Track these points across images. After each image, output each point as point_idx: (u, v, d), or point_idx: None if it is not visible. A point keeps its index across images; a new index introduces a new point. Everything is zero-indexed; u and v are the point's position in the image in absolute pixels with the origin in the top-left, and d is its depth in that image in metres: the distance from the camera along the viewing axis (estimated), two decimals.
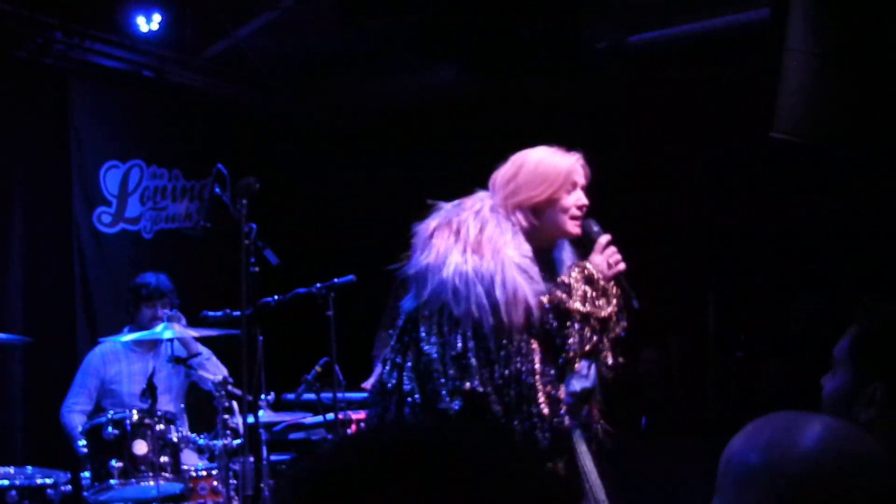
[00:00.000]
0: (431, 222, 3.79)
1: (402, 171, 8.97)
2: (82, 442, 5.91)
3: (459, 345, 3.60)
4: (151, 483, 5.75)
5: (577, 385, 3.75)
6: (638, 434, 8.16)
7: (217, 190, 5.55)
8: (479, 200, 3.85)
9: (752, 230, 8.01)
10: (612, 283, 3.83)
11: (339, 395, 6.09)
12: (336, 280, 6.06)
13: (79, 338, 7.83)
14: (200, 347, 6.66)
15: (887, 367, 2.46)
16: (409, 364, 3.73)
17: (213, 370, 6.56)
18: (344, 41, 8.24)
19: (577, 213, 3.89)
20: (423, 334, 3.68)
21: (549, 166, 3.88)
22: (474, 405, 3.58)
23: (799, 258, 7.74)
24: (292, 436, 6.56)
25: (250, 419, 5.41)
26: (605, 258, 3.84)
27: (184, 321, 6.37)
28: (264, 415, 6.03)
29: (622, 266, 3.87)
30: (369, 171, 9.19)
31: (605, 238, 3.90)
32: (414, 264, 3.77)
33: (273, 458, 6.30)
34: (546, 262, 3.92)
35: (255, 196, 5.21)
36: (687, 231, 8.09)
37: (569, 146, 8.44)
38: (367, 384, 6.56)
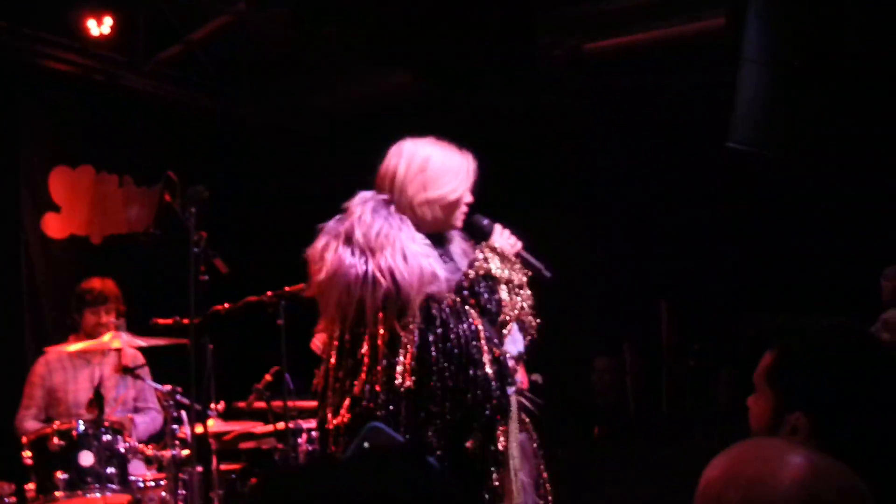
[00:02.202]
0: (319, 243, 3.78)
1: (354, 176, 8.90)
2: (27, 453, 5.80)
3: (383, 334, 3.64)
4: (98, 495, 5.66)
5: (512, 348, 3.80)
6: (591, 442, 8.16)
7: (167, 197, 5.48)
8: (361, 204, 3.83)
9: (705, 239, 8.03)
10: (516, 258, 3.93)
11: (290, 403, 6.03)
12: (286, 288, 6.00)
13: (26, 346, 7.71)
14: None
15: (808, 396, 2.37)
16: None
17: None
18: (296, 46, 8.19)
19: (466, 208, 3.94)
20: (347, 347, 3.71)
21: (454, 165, 3.89)
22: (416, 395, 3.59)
23: (751, 267, 7.76)
24: (243, 444, 6.49)
25: (199, 429, 5.34)
26: (505, 239, 3.95)
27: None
28: (214, 424, 5.96)
29: (520, 243, 3.98)
30: (321, 176, 9.12)
31: (497, 226, 3.99)
32: (315, 285, 3.77)
33: (223, 467, 6.23)
34: (436, 242, 3.93)
35: (205, 204, 5.14)
36: (640, 239, 8.10)
37: (523, 153, 8.46)
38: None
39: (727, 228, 7.92)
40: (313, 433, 6.26)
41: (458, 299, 3.71)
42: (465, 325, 3.67)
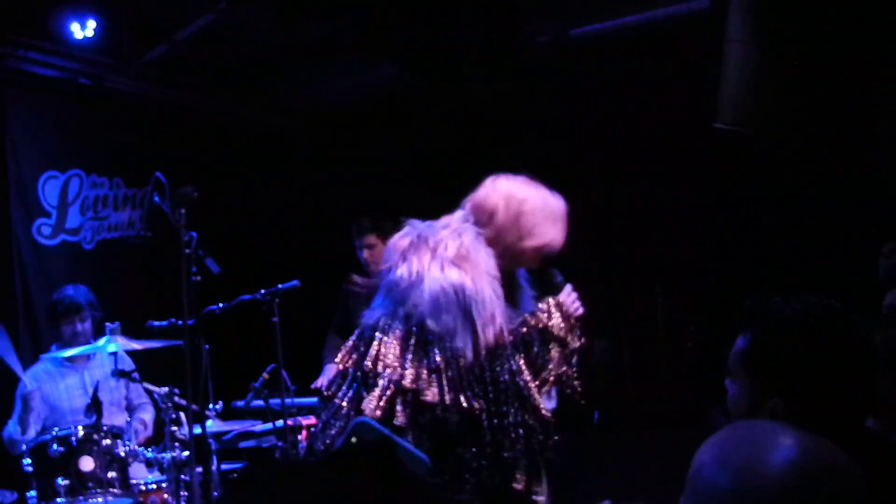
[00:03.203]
0: (405, 239, 3.80)
1: (344, 171, 8.92)
2: (27, 460, 5.80)
3: (438, 359, 3.60)
4: (100, 500, 5.67)
5: (548, 404, 3.82)
6: (591, 427, 8.16)
7: (156, 199, 5.47)
8: (457, 222, 3.85)
9: (699, 220, 8.03)
10: (577, 322, 3.91)
11: (288, 400, 6.04)
12: (280, 286, 6.00)
13: (22, 353, 7.69)
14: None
15: (784, 381, 2.35)
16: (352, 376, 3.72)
17: None
18: (282, 42, 8.17)
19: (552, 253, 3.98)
20: (398, 349, 3.68)
21: (551, 214, 3.94)
22: (467, 420, 3.60)
23: (747, 248, 7.76)
24: (242, 444, 6.50)
25: (197, 430, 5.34)
26: (571, 301, 3.92)
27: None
28: (213, 424, 5.96)
29: (581, 311, 3.94)
30: (312, 173, 9.13)
31: (568, 286, 3.97)
32: (390, 279, 3.76)
33: (224, 467, 6.23)
34: (506, 284, 3.94)
35: (194, 205, 5.13)
36: (633, 223, 8.10)
37: (512, 140, 8.42)
38: (319, 384, 6.52)
39: (721, 209, 7.92)
40: (313, 430, 6.26)
41: (507, 345, 3.70)
42: (508, 367, 3.67)
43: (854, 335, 2.37)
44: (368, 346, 3.73)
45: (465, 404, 3.57)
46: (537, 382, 3.74)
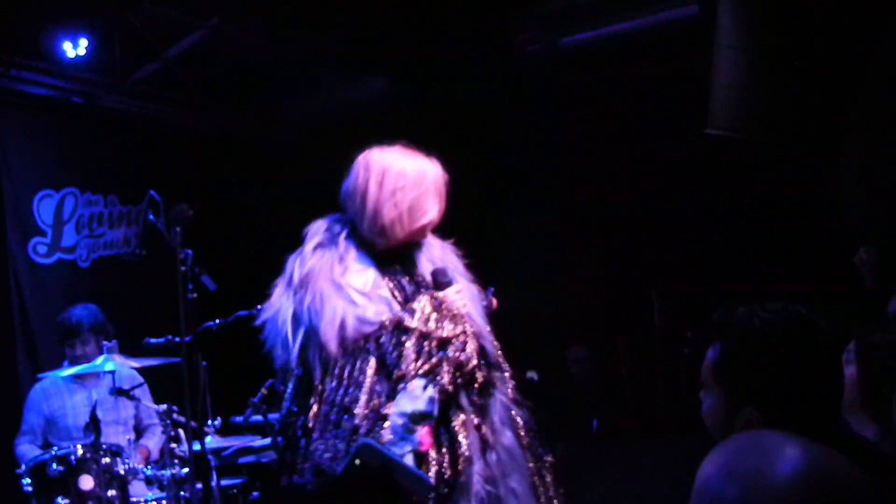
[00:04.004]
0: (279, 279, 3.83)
1: (339, 185, 8.91)
2: (27, 480, 5.80)
3: (290, 388, 3.67)
4: None
5: (407, 406, 3.59)
6: (590, 435, 8.17)
7: (151, 217, 5.48)
8: (315, 234, 3.82)
9: (693, 226, 8.05)
10: (461, 313, 3.76)
11: None
12: None
13: (20, 371, 7.72)
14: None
15: (755, 389, 2.37)
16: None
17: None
18: (273, 56, 8.19)
19: (436, 222, 3.90)
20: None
21: (427, 181, 3.81)
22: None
23: (741, 254, 7.78)
24: (242, 459, 6.50)
25: (197, 446, 5.34)
26: (456, 297, 3.79)
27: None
28: (212, 440, 5.97)
29: (461, 307, 3.79)
30: (305, 186, 9.12)
31: (455, 286, 3.83)
32: (261, 321, 3.81)
33: (224, 483, 6.24)
34: (404, 255, 3.89)
35: (189, 222, 5.14)
36: (627, 231, 8.12)
37: (504, 150, 8.46)
38: None
39: (715, 215, 7.94)
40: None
41: (363, 344, 3.63)
42: (356, 371, 3.61)
43: (819, 339, 2.40)
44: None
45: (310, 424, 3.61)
46: (395, 379, 3.61)
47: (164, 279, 5.79)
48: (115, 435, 6.41)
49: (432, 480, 3.40)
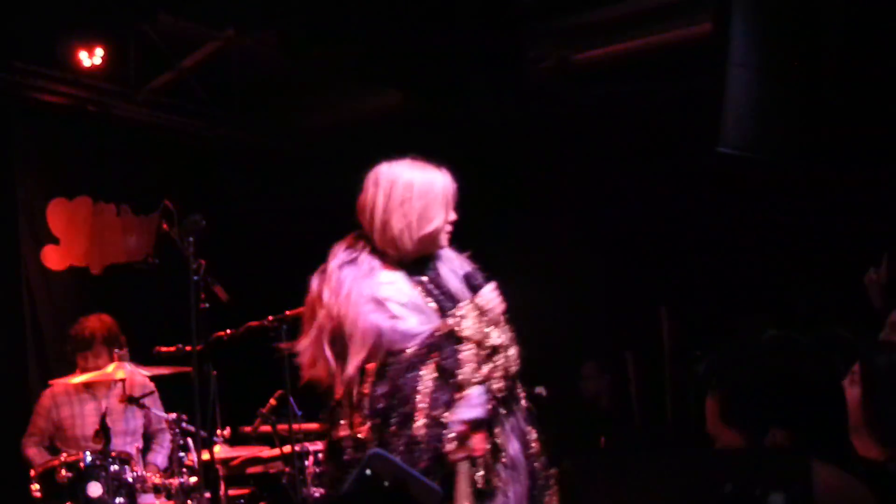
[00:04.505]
0: (313, 287, 3.89)
1: (350, 197, 8.94)
2: (35, 486, 5.83)
3: (332, 406, 3.72)
4: None
5: (466, 413, 3.68)
6: (598, 451, 8.15)
7: (164, 226, 5.52)
8: (339, 252, 3.88)
9: (701, 244, 8.04)
10: (503, 317, 3.84)
11: (295, 426, 6.05)
12: (287, 312, 6.03)
13: (30, 378, 7.74)
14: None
15: (768, 422, 2.41)
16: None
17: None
18: (287, 68, 8.22)
19: (451, 228, 3.93)
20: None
21: (436, 191, 3.87)
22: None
23: (751, 272, 7.78)
24: (250, 469, 6.51)
25: (205, 455, 5.36)
26: (489, 300, 3.86)
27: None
28: (220, 450, 5.99)
29: (502, 306, 3.88)
30: (319, 198, 9.15)
31: (490, 285, 3.91)
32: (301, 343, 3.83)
33: (231, 492, 6.25)
34: (425, 266, 3.93)
35: (202, 233, 5.17)
36: (636, 248, 8.12)
37: (516, 166, 8.48)
38: None
39: (725, 233, 7.93)
40: (320, 455, 6.29)
41: (417, 354, 3.68)
42: (412, 380, 3.65)
43: (815, 367, 2.43)
44: None
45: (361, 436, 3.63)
46: (452, 387, 3.67)
47: (175, 288, 5.82)
48: (123, 445, 6.43)
49: (441, 490, 3.42)
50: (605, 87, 8.00)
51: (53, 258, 8.12)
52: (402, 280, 3.82)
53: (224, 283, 5.67)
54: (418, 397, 3.62)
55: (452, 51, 7.59)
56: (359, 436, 3.62)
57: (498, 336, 3.78)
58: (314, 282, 3.88)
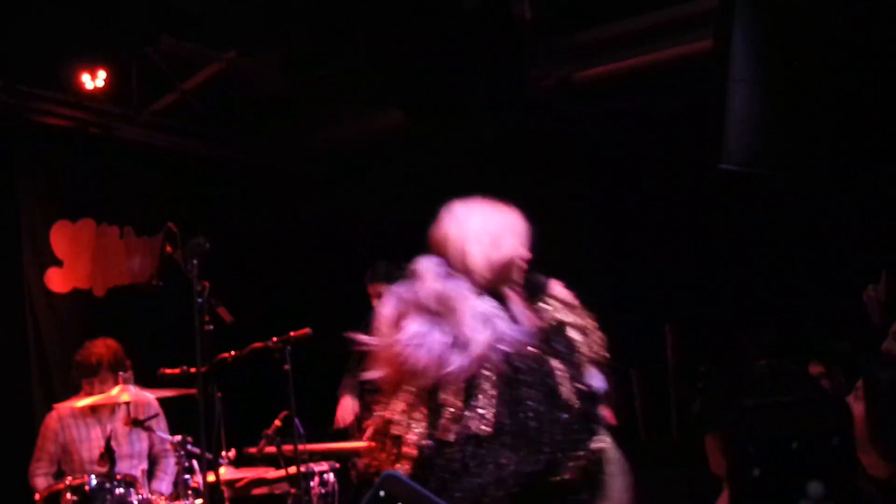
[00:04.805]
0: (390, 307, 3.84)
1: (355, 217, 8.95)
2: None
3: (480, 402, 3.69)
4: None
5: (596, 382, 3.84)
6: None
7: (168, 249, 5.52)
8: (427, 270, 3.89)
9: (705, 260, 8.04)
10: (576, 303, 3.97)
11: (300, 447, 6.04)
12: (292, 333, 6.03)
13: (34, 401, 7.74)
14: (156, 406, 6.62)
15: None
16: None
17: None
18: (289, 89, 8.24)
19: (525, 265, 4.00)
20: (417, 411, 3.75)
21: (508, 226, 3.97)
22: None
23: (755, 288, 7.78)
24: (255, 491, 6.49)
25: (211, 477, 5.35)
26: (562, 290, 4.00)
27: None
28: (225, 471, 5.97)
29: (572, 294, 4.01)
30: (322, 219, 9.17)
31: (553, 280, 4.03)
32: (386, 346, 3.81)
33: None
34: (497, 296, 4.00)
35: (205, 254, 5.17)
36: (640, 264, 8.12)
37: (518, 183, 8.49)
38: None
39: (728, 248, 7.93)
40: (325, 476, 6.28)
41: (536, 350, 3.77)
42: (546, 369, 3.74)
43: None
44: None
45: (504, 421, 3.65)
46: (572, 370, 3.80)
47: (180, 310, 5.82)
48: (128, 468, 6.43)
49: None
50: (607, 105, 8.02)
51: (57, 280, 8.13)
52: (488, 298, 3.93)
53: (228, 305, 5.66)
54: (564, 394, 3.72)
55: (454, 69, 7.60)
56: (486, 431, 3.65)
57: (583, 319, 3.93)
58: (398, 292, 3.89)
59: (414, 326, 3.74)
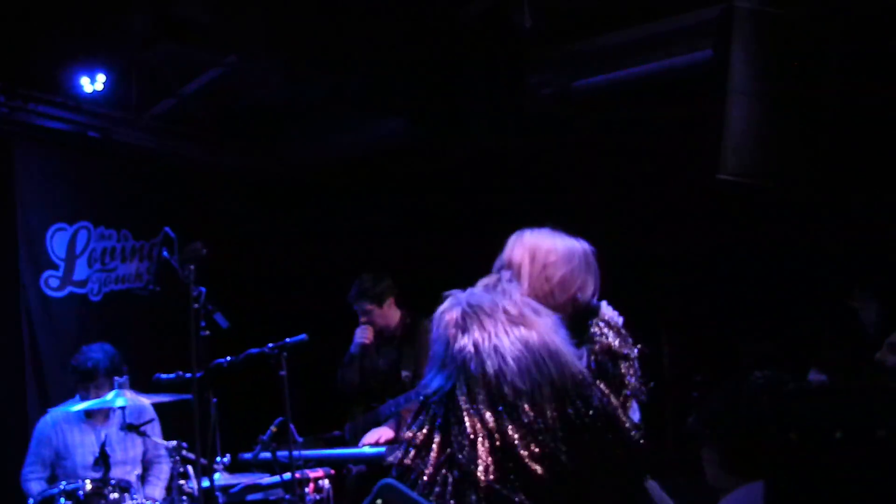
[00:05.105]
0: (454, 311, 3.81)
1: (352, 225, 8.95)
2: None
3: (527, 416, 3.67)
4: None
5: (635, 416, 3.83)
6: None
7: (165, 254, 5.52)
8: (499, 283, 3.91)
9: (704, 270, 8.04)
10: (626, 332, 3.97)
11: (295, 453, 6.04)
12: (288, 340, 6.03)
13: (29, 404, 7.73)
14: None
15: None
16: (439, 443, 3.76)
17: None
18: (290, 96, 8.24)
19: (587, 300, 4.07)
20: (486, 414, 3.73)
21: (575, 260, 4.00)
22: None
23: (751, 298, 7.78)
24: (250, 497, 6.48)
25: (205, 483, 5.35)
26: (613, 315, 4.01)
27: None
28: (220, 477, 5.97)
29: (622, 319, 4.01)
30: (319, 226, 9.17)
31: (604, 302, 4.04)
32: (451, 352, 3.80)
33: None
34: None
35: (203, 260, 5.18)
36: (637, 273, 8.12)
37: (518, 192, 8.46)
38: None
39: (725, 258, 7.94)
40: (320, 483, 6.28)
41: (587, 374, 3.75)
42: (598, 395, 3.71)
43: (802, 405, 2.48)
44: (437, 416, 3.79)
45: (561, 447, 3.65)
46: (620, 401, 3.78)
47: (176, 316, 5.83)
48: (123, 473, 6.42)
49: None
50: (607, 114, 8.02)
51: (53, 284, 8.11)
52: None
53: (224, 311, 5.67)
54: (617, 411, 3.71)
55: (454, 78, 7.60)
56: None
57: (630, 348, 3.93)
58: (479, 296, 3.89)
59: (489, 329, 3.76)
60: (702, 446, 2.55)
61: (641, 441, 3.73)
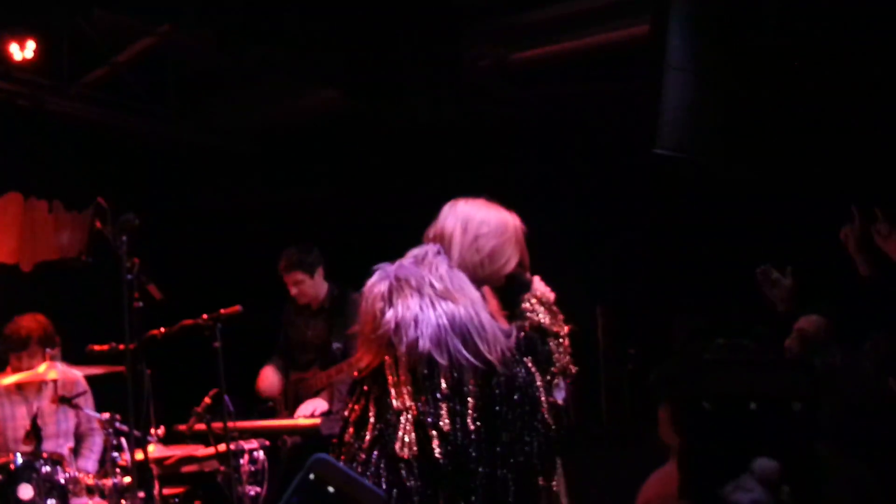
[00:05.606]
0: (381, 284, 3.80)
1: (286, 194, 8.91)
2: None
3: (444, 389, 3.65)
4: None
5: (559, 396, 3.84)
6: None
7: (97, 224, 5.45)
8: (426, 256, 3.89)
9: (636, 243, 8.11)
10: (556, 309, 3.99)
11: (230, 424, 6.02)
12: (222, 311, 6.00)
13: None
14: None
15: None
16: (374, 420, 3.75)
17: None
18: (223, 64, 8.17)
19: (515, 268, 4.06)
20: (408, 388, 3.71)
21: (507, 232, 4.00)
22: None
23: (682, 269, 7.86)
24: (185, 469, 6.46)
25: (139, 455, 5.31)
26: (545, 291, 4.02)
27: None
28: (154, 449, 5.93)
29: (554, 295, 4.03)
30: (253, 196, 9.12)
31: (536, 278, 4.06)
32: (376, 325, 3.77)
33: (166, 492, 6.20)
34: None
35: (136, 231, 5.13)
36: (572, 246, 8.17)
37: (453, 164, 8.46)
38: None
39: (660, 232, 8.01)
40: (255, 454, 6.26)
41: (515, 352, 3.77)
42: (524, 374, 3.74)
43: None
44: (371, 392, 3.77)
45: (471, 427, 3.63)
46: (546, 379, 3.80)
47: (109, 287, 5.76)
48: (55, 446, 6.36)
49: (384, 495, 3.44)
50: (544, 87, 8.04)
51: None
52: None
53: (158, 282, 5.62)
54: (540, 390, 3.74)
55: (390, 49, 7.58)
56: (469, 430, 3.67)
57: (561, 324, 3.94)
58: (403, 269, 3.85)
59: (413, 304, 3.74)
60: (659, 404, 2.59)
61: (556, 427, 3.73)
